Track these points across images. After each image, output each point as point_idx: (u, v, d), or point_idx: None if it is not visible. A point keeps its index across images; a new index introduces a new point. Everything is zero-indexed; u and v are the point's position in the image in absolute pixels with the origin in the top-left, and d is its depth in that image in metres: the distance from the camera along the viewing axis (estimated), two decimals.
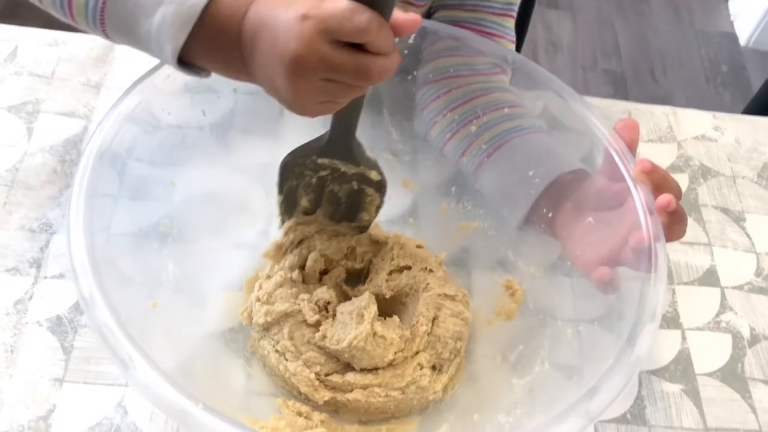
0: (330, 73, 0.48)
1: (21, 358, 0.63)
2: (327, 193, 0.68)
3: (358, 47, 0.48)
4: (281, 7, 0.49)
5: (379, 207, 0.69)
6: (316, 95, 0.50)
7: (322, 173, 0.66)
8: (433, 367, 0.64)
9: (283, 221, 0.70)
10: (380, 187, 0.68)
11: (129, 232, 0.63)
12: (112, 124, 0.57)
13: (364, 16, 0.46)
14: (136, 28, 0.53)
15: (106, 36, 0.55)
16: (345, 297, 0.69)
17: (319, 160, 0.65)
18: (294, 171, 0.66)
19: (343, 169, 0.66)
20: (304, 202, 0.69)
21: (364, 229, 0.71)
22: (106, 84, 0.83)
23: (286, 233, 0.69)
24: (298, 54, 0.47)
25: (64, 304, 0.67)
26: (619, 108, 0.93)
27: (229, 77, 0.55)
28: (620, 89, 2.18)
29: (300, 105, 0.51)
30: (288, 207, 0.69)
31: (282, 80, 0.49)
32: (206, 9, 0.50)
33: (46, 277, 0.68)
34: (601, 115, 0.65)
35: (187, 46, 0.51)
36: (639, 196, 0.59)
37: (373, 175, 0.66)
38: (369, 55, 0.48)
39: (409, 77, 0.74)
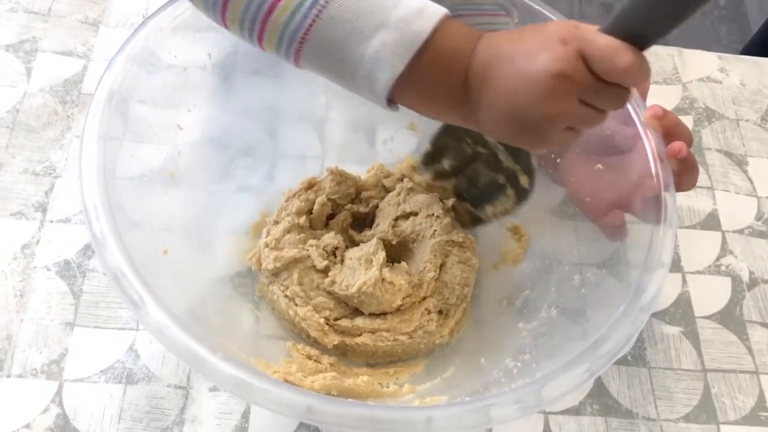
0: (591, 95, 0.47)
1: (31, 302, 0.63)
2: (470, 170, 0.66)
3: None
4: (519, 39, 0.47)
5: (507, 212, 0.66)
6: (568, 119, 0.47)
7: (480, 150, 0.64)
8: (440, 312, 0.65)
9: (419, 169, 0.68)
10: (522, 195, 0.64)
11: (136, 176, 0.62)
12: (121, 66, 0.56)
13: (627, 57, 0.45)
14: (346, 53, 0.48)
15: (295, 61, 0.50)
16: (351, 241, 0.69)
17: (486, 136, 0.62)
18: (458, 132, 0.63)
19: (500, 156, 0.63)
20: (446, 164, 0.67)
21: (479, 222, 0.68)
22: (105, 21, 0.81)
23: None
24: (562, 71, 0.45)
25: (71, 248, 0.67)
26: None
27: (432, 114, 0.52)
28: None
29: (545, 130, 0.48)
30: (430, 159, 0.67)
31: (534, 104, 0.46)
32: (428, 39, 0.47)
33: (52, 221, 0.68)
34: None
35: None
36: (649, 143, 0.59)
37: (523, 181, 0.63)
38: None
39: None
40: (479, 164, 0.65)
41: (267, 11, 0.48)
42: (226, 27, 0.51)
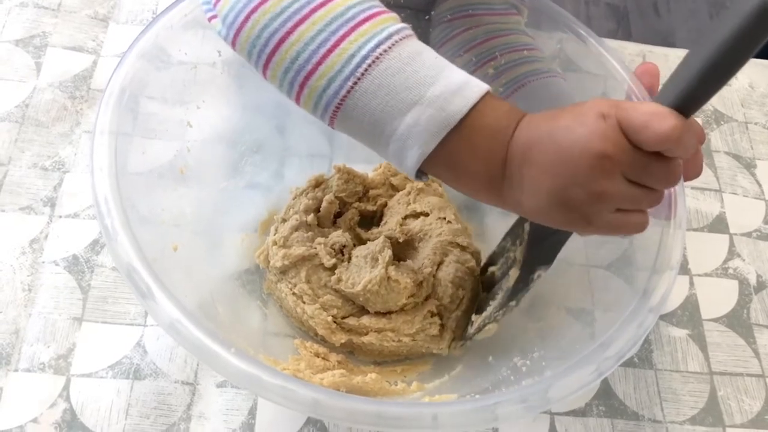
0: (637, 172, 0.44)
1: (39, 297, 0.64)
2: (499, 285, 0.64)
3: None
4: (558, 116, 0.46)
5: (487, 320, 0.62)
6: (615, 200, 0.45)
7: (518, 257, 0.62)
8: (440, 317, 0.64)
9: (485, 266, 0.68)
10: (506, 295, 0.61)
11: (146, 172, 0.62)
12: (132, 62, 0.56)
13: (668, 122, 0.42)
14: (378, 127, 0.47)
15: (330, 123, 0.49)
16: (358, 239, 0.69)
17: (526, 225, 0.61)
18: (516, 233, 0.63)
19: (512, 252, 0.62)
20: (490, 271, 0.66)
21: (462, 338, 0.66)
22: (114, 17, 0.81)
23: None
24: (602, 151, 0.43)
25: (79, 243, 0.67)
26: (633, 50, 0.92)
27: (465, 190, 0.50)
28: (623, 24, 2.15)
29: (591, 211, 0.45)
30: (488, 262, 0.67)
31: (577, 181, 0.44)
32: (465, 118, 0.46)
33: (60, 217, 0.68)
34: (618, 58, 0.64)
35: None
36: None
37: (512, 273, 0.61)
38: (673, 159, 0.44)
39: (426, 17, 0.73)
40: (509, 277, 0.63)
41: (305, 76, 0.47)
42: (266, 79, 0.50)
